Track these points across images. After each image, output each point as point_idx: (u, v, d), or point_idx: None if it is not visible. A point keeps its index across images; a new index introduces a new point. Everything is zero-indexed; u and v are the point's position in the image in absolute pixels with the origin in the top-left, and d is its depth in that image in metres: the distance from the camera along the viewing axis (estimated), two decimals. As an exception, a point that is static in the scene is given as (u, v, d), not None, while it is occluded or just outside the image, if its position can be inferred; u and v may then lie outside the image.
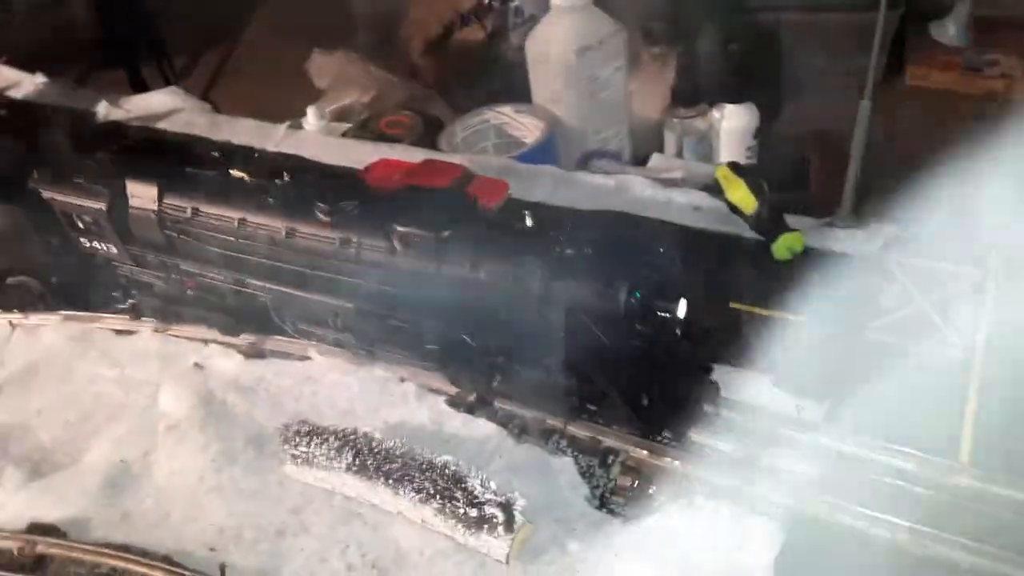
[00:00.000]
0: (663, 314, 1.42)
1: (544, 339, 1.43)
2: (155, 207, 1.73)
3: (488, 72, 4.11)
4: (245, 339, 1.83)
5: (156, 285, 1.88)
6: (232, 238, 1.68)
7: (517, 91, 3.95)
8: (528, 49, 2.63)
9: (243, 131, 2.66)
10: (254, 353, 1.81)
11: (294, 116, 2.74)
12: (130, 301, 1.97)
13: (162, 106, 2.83)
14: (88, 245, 1.87)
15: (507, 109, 2.73)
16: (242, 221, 1.66)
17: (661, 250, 1.49)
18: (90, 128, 2.70)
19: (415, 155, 2.42)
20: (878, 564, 1.27)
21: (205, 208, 1.70)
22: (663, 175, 2.34)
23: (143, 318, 1.94)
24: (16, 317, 1.97)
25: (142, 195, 1.75)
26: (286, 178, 1.65)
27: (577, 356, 1.42)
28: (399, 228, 1.52)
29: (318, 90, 3.65)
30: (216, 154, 1.85)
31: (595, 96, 2.59)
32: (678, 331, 1.44)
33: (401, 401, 1.66)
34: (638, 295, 1.38)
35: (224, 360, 1.80)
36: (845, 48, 4.28)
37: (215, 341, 1.85)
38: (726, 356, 1.62)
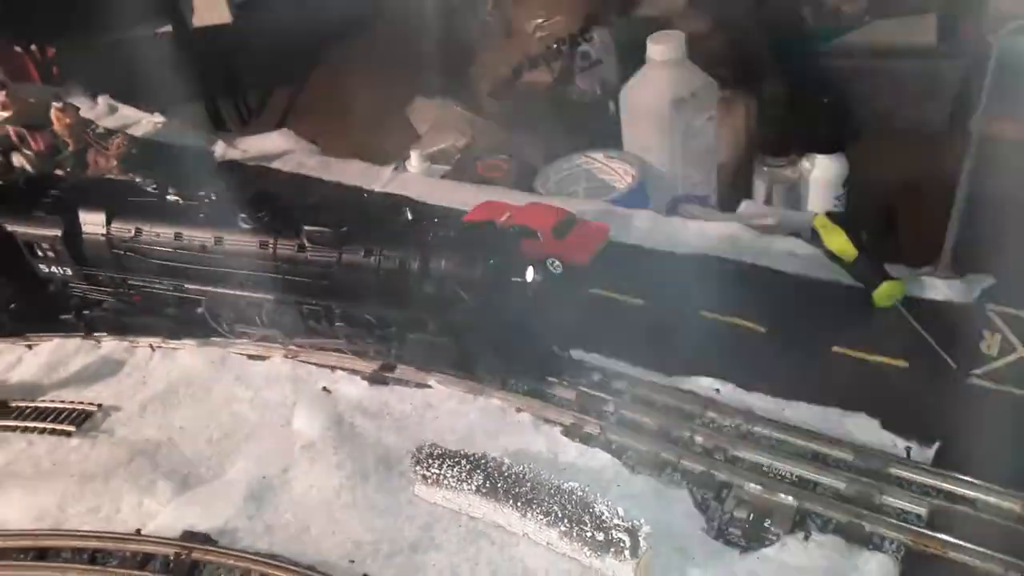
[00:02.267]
0: (516, 279, 1.72)
1: (426, 309, 1.76)
2: (104, 231, 2.00)
3: (556, 114, 4.25)
4: (370, 366, 1.96)
5: (107, 301, 2.15)
6: (170, 249, 1.96)
7: (586, 132, 4.08)
8: (623, 99, 2.77)
9: (352, 172, 2.84)
10: (377, 379, 1.94)
11: (353, 153, 2.94)
12: (84, 314, 2.20)
13: (275, 147, 3.03)
14: (47, 270, 2.12)
15: (599, 155, 2.86)
16: (178, 235, 1.94)
17: (511, 231, 1.83)
18: (212, 166, 2.91)
19: (514, 197, 2.57)
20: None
21: (147, 227, 1.97)
22: (756, 221, 2.43)
23: (95, 332, 2.19)
24: (156, 341, 2.14)
25: (93, 222, 2.02)
26: (213, 197, 1.94)
27: (452, 319, 1.74)
28: (307, 228, 1.80)
29: (374, 128, 3.84)
30: (152, 187, 2.08)
31: (686, 144, 2.71)
32: (529, 293, 1.73)
33: (518, 430, 1.76)
34: (491, 263, 1.69)
35: (350, 385, 1.93)
36: (913, 95, 4.34)
37: (340, 368, 1.99)
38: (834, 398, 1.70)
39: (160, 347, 2.14)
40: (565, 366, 1.86)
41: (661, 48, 2.59)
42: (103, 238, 1.98)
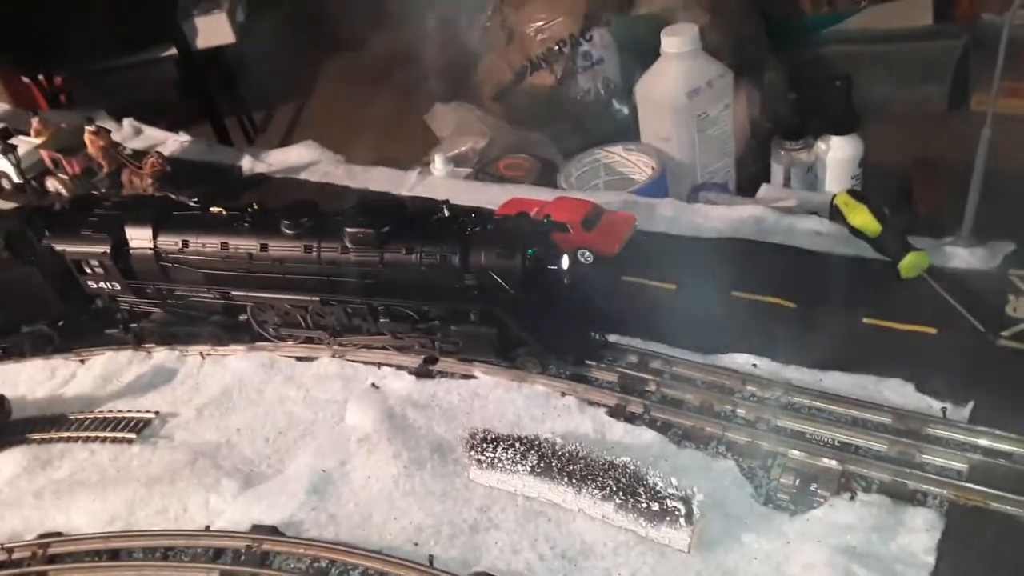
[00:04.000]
0: (552, 267, 1.80)
1: (467, 300, 1.83)
2: (151, 245, 2.07)
3: (560, 114, 4.32)
4: (415, 360, 2.03)
5: (154, 312, 2.22)
6: (217, 259, 2.02)
7: (591, 129, 4.14)
8: (639, 92, 2.84)
9: (378, 178, 2.91)
10: (423, 373, 2.01)
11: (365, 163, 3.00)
12: (132, 327, 2.27)
13: (300, 159, 3.09)
14: (95, 286, 2.19)
15: (617, 148, 2.93)
16: (224, 244, 2.00)
17: (544, 222, 1.89)
18: (242, 181, 2.99)
19: (539, 193, 2.64)
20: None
21: (193, 239, 2.04)
22: (778, 204, 2.49)
23: (145, 344, 2.26)
24: (206, 349, 2.22)
25: (139, 237, 2.09)
26: (255, 207, 2.03)
27: (493, 309, 1.81)
28: (348, 230, 1.86)
29: (381, 137, 3.90)
30: (194, 201, 2.18)
31: (704, 133, 2.77)
32: (565, 280, 1.82)
33: (565, 413, 1.83)
34: (531, 253, 1.77)
35: (397, 381, 2.00)
36: (910, 77, 4.40)
37: (387, 364, 2.06)
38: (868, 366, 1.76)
39: (210, 354, 2.21)
40: (604, 350, 1.92)
41: (675, 40, 2.66)
42: (150, 252, 2.05)
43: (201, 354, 2.22)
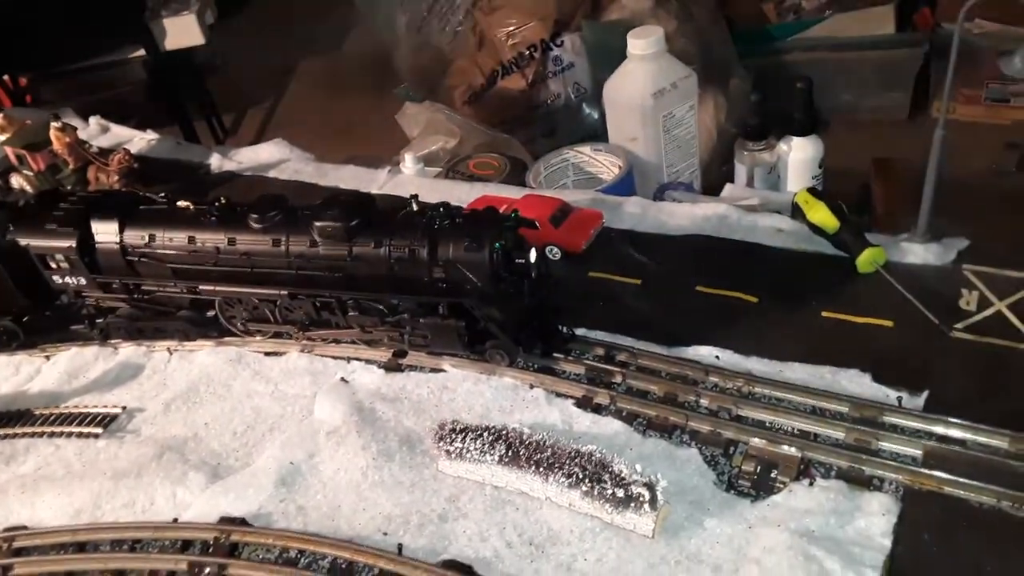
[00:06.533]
0: (519, 260, 1.83)
1: (435, 293, 1.86)
2: (117, 239, 2.06)
3: (530, 117, 4.37)
4: (384, 355, 2.04)
5: (120, 308, 2.21)
6: (185, 253, 2.02)
7: (561, 132, 4.18)
8: (606, 93, 2.88)
9: (348, 177, 2.91)
10: (392, 367, 2.02)
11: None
12: (98, 322, 2.25)
13: (270, 157, 3.09)
14: (60, 281, 2.17)
15: (586, 148, 2.97)
16: (191, 238, 2.00)
17: (512, 216, 1.90)
18: (210, 179, 2.98)
19: (509, 191, 2.67)
20: (987, 526, 1.43)
21: (159, 233, 2.04)
22: (741, 202, 2.54)
23: (111, 339, 2.24)
24: (173, 344, 2.21)
25: (105, 231, 2.08)
26: (223, 201, 2.02)
27: (461, 302, 1.84)
28: (317, 223, 1.88)
29: (351, 137, 3.89)
30: (161, 196, 2.17)
31: (669, 133, 2.82)
32: (533, 274, 1.85)
33: (533, 404, 1.86)
34: (499, 246, 1.79)
35: (367, 375, 2.01)
36: (873, 84, 4.52)
37: (356, 358, 2.07)
38: (827, 358, 1.81)
39: (177, 350, 2.20)
40: (572, 343, 1.95)
41: (640, 43, 2.70)
42: (116, 246, 2.04)
43: (168, 349, 2.21)
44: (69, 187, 2.82)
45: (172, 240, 1.99)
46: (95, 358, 2.23)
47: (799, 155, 2.73)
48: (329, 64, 6.51)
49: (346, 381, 2.00)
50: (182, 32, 5.21)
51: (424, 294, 1.85)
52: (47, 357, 2.28)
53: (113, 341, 2.23)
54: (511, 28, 4.27)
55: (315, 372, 2.07)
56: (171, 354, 2.20)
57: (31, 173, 2.81)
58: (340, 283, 1.91)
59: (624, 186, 2.78)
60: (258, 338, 2.13)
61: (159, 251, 2.01)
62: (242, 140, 5.85)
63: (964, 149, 3.29)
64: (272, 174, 3.02)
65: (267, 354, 2.15)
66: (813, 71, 3.96)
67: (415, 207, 1.87)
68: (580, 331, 2.00)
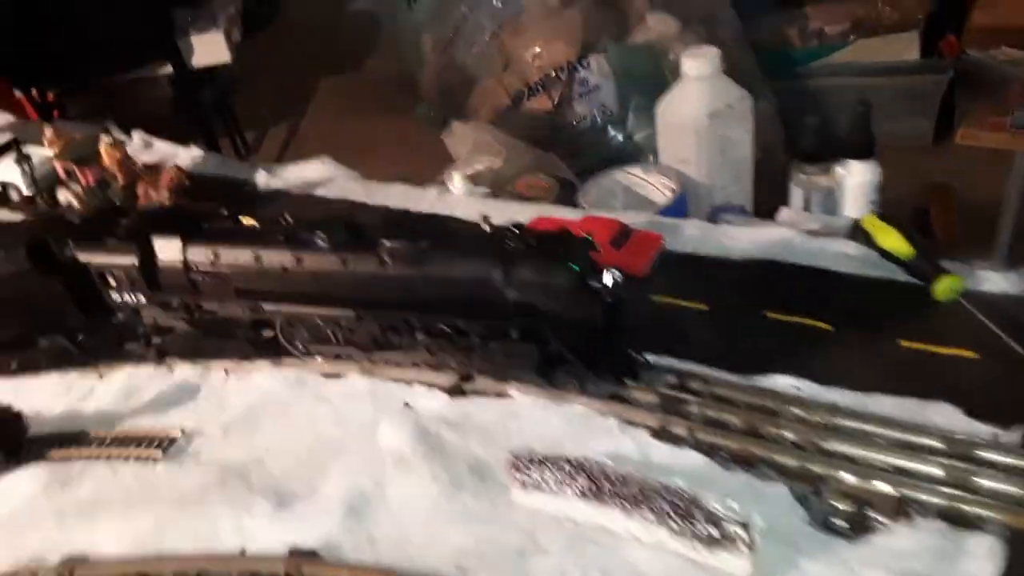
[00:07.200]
0: (595, 284, 1.74)
1: (508, 317, 1.79)
2: (180, 257, 2.01)
3: (557, 138, 4.35)
4: (448, 379, 2.00)
5: (178, 326, 2.15)
6: (251, 272, 1.96)
7: (588, 153, 4.15)
8: (659, 114, 2.85)
9: (396, 195, 2.88)
10: (457, 391, 1.97)
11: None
12: (155, 341, 2.21)
13: (316, 175, 3.06)
14: (118, 299, 2.13)
15: (636, 169, 2.93)
16: (258, 257, 1.94)
17: (585, 238, 1.84)
18: (257, 196, 2.95)
19: (562, 212, 2.63)
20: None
21: (225, 251, 1.98)
22: (802, 227, 2.49)
23: (167, 358, 2.19)
24: (230, 364, 2.17)
25: (168, 248, 2.03)
26: (289, 220, 1.98)
27: (534, 325, 1.78)
28: (387, 244, 1.83)
29: (375, 156, 3.88)
30: (224, 213, 2.13)
31: (724, 155, 2.79)
32: (608, 299, 1.76)
33: (606, 434, 1.80)
34: (574, 268, 1.73)
35: (430, 399, 1.96)
36: (896, 110, 4.48)
37: (418, 382, 2.02)
38: (911, 390, 1.75)
39: (234, 370, 2.16)
40: (642, 369, 1.90)
41: (696, 63, 2.67)
42: (179, 264, 2.01)
43: (225, 370, 2.17)
44: (118, 203, 2.79)
45: (237, 259, 1.96)
46: (150, 377, 2.19)
47: (857, 179, 2.70)
48: (350, 84, 6.53)
49: (409, 406, 1.96)
50: (209, 50, 5.24)
51: (496, 317, 1.81)
52: (100, 376, 2.24)
53: (169, 360, 2.19)
54: (537, 49, 4.27)
55: (377, 395, 2.02)
56: (228, 375, 2.16)
57: (79, 188, 2.79)
58: (409, 304, 1.87)
59: (678, 208, 2.74)
60: (319, 359, 2.09)
61: (224, 270, 1.97)
62: (265, 158, 5.85)
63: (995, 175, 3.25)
64: (320, 192, 2.99)
65: (327, 376, 2.10)
66: (836, 96, 3.94)
67: (487, 228, 1.83)
68: (648, 356, 1.95)
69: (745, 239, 2.37)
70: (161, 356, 2.19)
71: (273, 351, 2.14)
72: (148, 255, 2.02)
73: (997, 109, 3.92)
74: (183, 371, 2.19)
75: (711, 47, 2.76)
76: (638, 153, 3.90)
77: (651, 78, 3.63)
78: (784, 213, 2.73)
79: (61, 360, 2.25)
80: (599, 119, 4.26)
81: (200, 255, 1.98)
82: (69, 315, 2.16)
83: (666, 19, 4.09)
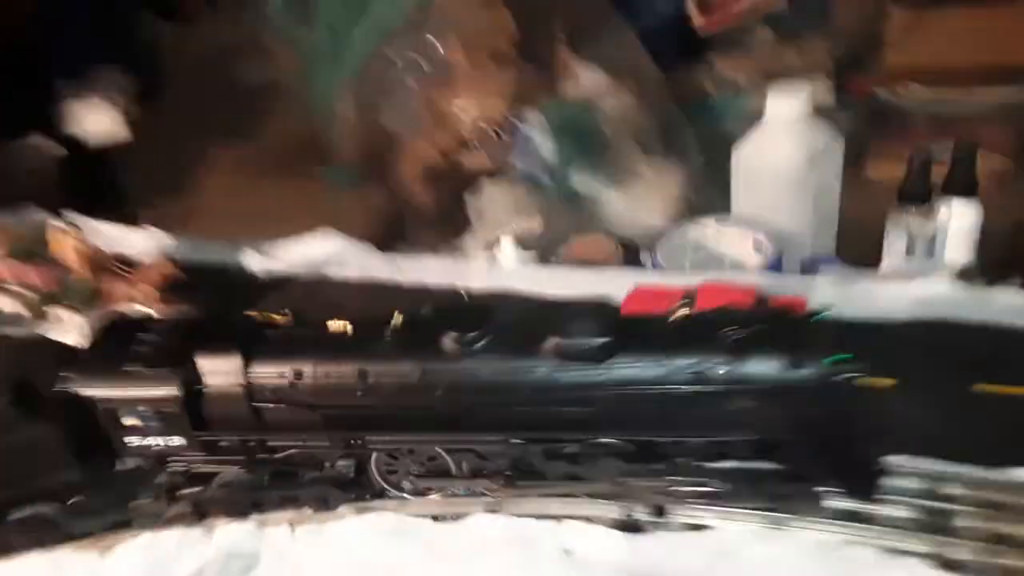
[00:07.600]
0: (835, 377, 1.34)
1: (735, 428, 1.37)
2: (241, 380, 1.49)
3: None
4: (618, 511, 1.50)
5: (221, 473, 1.62)
6: (351, 394, 1.46)
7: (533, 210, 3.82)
8: (739, 160, 2.50)
9: (435, 270, 2.39)
10: (632, 527, 1.47)
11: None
12: (181, 494, 1.64)
13: (322, 252, 2.53)
14: (139, 443, 1.56)
15: (709, 221, 2.56)
16: (363, 372, 1.44)
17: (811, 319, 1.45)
18: (261, 285, 2.38)
19: (647, 277, 2.20)
20: None
21: (308, 368, 1.46)
22: (925, 276, 2.17)
23: (207, 516, 1.62)
24: (294, 517, 1.59)
25: (220, 370, 1.49)
26: (399, 320, 1.48)
27: (775, 437, 1.37)
28: (562, 341, 1.38)
29: (283, 223, 3.45)
30: (284, 314, 1.59)
31: (815, 203, 2.46)
32: (842, 394, 1.35)
33: (864, 569, 1.35)
34: (829, 361, 1.33)
35: (596, 540, 1.45)
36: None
37: (568, 516, 1.51)
38: None
39: (302, 523, 1.58)
40: (882, 477, 1.47)
41: (787, 102, 2.35)
42: (239, 389, 1.45)
43: (290, 524, 1.58)
44: (77, 307, 2.16)
45: (329, 376, 1.41)
46: (179, 545, 1.57)
47: (962, 220, 2.41)
48: (251, 147, 6.05)
49: (568, 552, 1.44)
50: (96, 121, 4.70)
51: (717, 429, 1.34)
52: (102, 551, 1.60)
53: (206, 520, 1.59)
54: (471, 105, 4.01)
55: (513, 542, 1.49)
56: (294, 530, 1.58)
57: (30, 292, 2.14)
58: (587, 418, 1.38)
59: (774, 264, 2.37)
60: (432, 497, 1.55)
61: (308, 394, 1.42)
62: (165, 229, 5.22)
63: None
64: (333, 271, 2.46)
65: (435, 519, 1.56)
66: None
67: (687, 313, 1.38)
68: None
69: (895, 296, 2.02)
70: (200, 515, 1.58)
71: (358, 491, 1.58)
72: (191, 382, 1.44)
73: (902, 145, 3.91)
74: (228, 532, 1.58)
75: (800, 84, 2.45)
76: (581, 210, 3.68)
77: (589, 133, 3.43)
78: (887, 262, 2.42)
79: (43, 536, 1.59)
80: (539, 175, 4.02)
81: (272, 376, 1.42)
82: (60, 471, 1.53)
83: (596, 74, 3.94)
